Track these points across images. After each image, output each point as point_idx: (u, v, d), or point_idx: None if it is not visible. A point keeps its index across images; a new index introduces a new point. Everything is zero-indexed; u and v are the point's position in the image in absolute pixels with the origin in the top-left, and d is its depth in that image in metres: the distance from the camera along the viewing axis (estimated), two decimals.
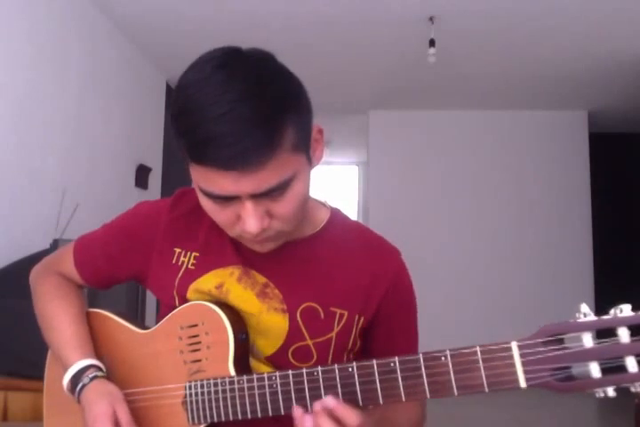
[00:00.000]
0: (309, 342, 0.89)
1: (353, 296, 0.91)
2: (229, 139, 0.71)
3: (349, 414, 0.73)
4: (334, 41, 3.76)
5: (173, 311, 0.92)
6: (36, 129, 2.63)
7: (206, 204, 0.81)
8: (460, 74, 4.35)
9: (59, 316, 1.00)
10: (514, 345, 0.68)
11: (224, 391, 0.84)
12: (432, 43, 3.39)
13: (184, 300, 0.93)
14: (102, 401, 0.87)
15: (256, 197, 0.76)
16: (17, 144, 2.48)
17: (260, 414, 0.81)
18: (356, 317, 0.91)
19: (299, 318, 0.89)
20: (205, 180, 0.76)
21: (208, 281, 0.92)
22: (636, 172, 5.77)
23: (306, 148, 0.82)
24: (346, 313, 0.90)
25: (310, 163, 0.84)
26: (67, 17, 2.90)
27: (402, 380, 0.73)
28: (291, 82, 0.80)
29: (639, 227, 5.61)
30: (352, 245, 0.95)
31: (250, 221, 0.78)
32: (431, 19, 3.34)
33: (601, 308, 0.68)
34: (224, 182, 0.75)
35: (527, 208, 5.23)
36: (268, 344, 0.90)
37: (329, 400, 0.74)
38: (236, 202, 0.78)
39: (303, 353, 0.89)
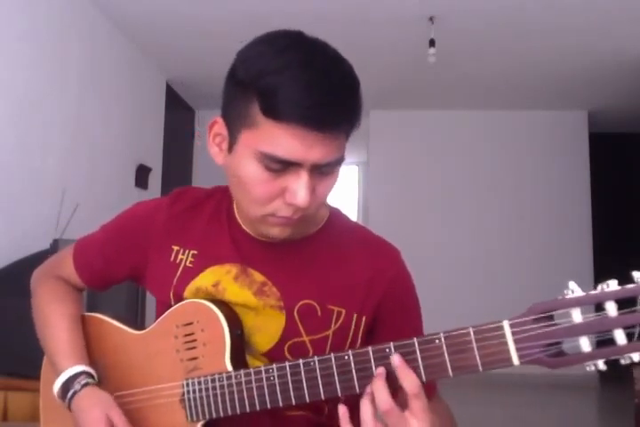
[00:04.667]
0: (305, 338, 0.89)
1: (351, 294, 0.91)
2: (320, 100, 0.74)
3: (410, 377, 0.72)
4: (334, 41, 3.71)
5: (168, 310, 0.93)
6: (36, 129, 2.63)
7: (255, 173, 0.79)
8: (460, 74, 4.35)
9: (54, 321, 1.00)
10: (505, 324, 0.69)
11: (222, 387, 0.84)
12: (432, 43, 3.39)
13: (181, 299, 0.93)
14: (95, 408, 0.87)
15: (313, 169, 0.78)
16: (17, 144, 2.48)
17: (258, 408, 0.81)
18: (355, 315, 0.90)
19: (296, 315, 0.89)
20: (273, 141, 0.76)
21: (205, 279, 0.92)
22: (636, 172, 5.78)
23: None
24: (343, 311, 0.90)
25: None
26: (67, 17, 2.90)
27: None
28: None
29: (639, 227, 5.61)
30: (351, 245, 0.95)
31: (302, 192, 0.78)
32: (431, 19, 3.34)
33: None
34: (296, 145, 0.75)
35: (527, 208, 5.23)
36: (264, 340, 0.90)
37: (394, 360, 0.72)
38: (292, 172, 0.78)
39: (299, 349, 0.89)
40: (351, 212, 7.42)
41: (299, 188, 0.78)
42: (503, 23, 3.43)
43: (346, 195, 7.56)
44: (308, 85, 0.74)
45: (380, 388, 0.72)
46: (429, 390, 0.94)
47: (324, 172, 0.80)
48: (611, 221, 5.52)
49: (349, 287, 0.91)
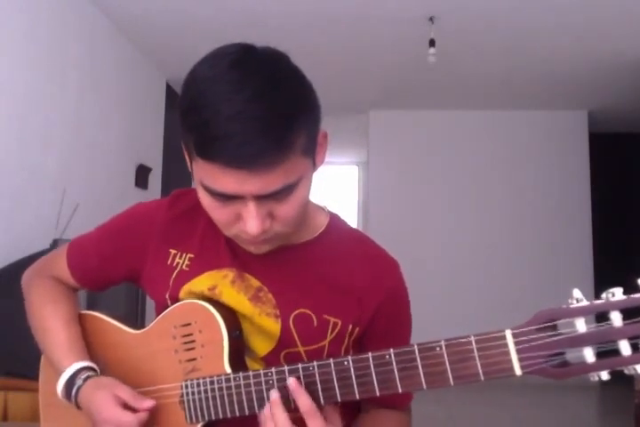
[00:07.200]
0: (300, 348, 0.88)
1: (347, 305, 0.89)
2: (241, 138, 0.70)
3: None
4: (334, 41, 3.76)
5: (166, 311, 0.92)
6: (36, 129, 2.63)
7: (206, 201, 0.80)
8: (460, 74, 4.35)
9: (51, 320, 0.99)
10: (508, 333, 0.68)
11: (220, 389, 0.83)
12: (432, 43, 3.39)
13: (176, 301, 0.92)
14: (99, 392, 0.86)
15: (260, 198, 0.75)
16: (17, 144, 2.48)
17: (257, 411, 0.81)
18: (350, 326, 0.89)
19: (291, 324, 0.88)
20: (210, 177, 0.75)
21: (201, 283, 0.92)
22: (636, 172, 5.77)
23: (313, 152, 0.81)
24: (339, 322, 0.89)
25: (314, 167, 0.83)
26: (66, 17, 2.90)
27: (398, 371, 0.73)
28: (304, 84, 0.79)
29: (639, 227, 5.61)
30: (350, 254, 0.93)
31: (251, 222, 0.76)
32: (431, 19, 3.34)
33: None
34: (229, 181, 0.73)
35: (527, 208, 5.22)
36: (261, 345, 0.90)
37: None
38: (239, 201, 0.76)
39: (294, 359, 0.87)
40: (351, 212, 7.41)
41: (248, 218, 0.77)
42: (503, 23, 3.43)
43: (346, 195, 7.57)
44: (234, 120, 0.70)
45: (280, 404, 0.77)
46: (402, 399, 0.95)
47: (276, 198, 0.76)
48: (610, 220, 5.51)
49: (346, 298, 0.90)
